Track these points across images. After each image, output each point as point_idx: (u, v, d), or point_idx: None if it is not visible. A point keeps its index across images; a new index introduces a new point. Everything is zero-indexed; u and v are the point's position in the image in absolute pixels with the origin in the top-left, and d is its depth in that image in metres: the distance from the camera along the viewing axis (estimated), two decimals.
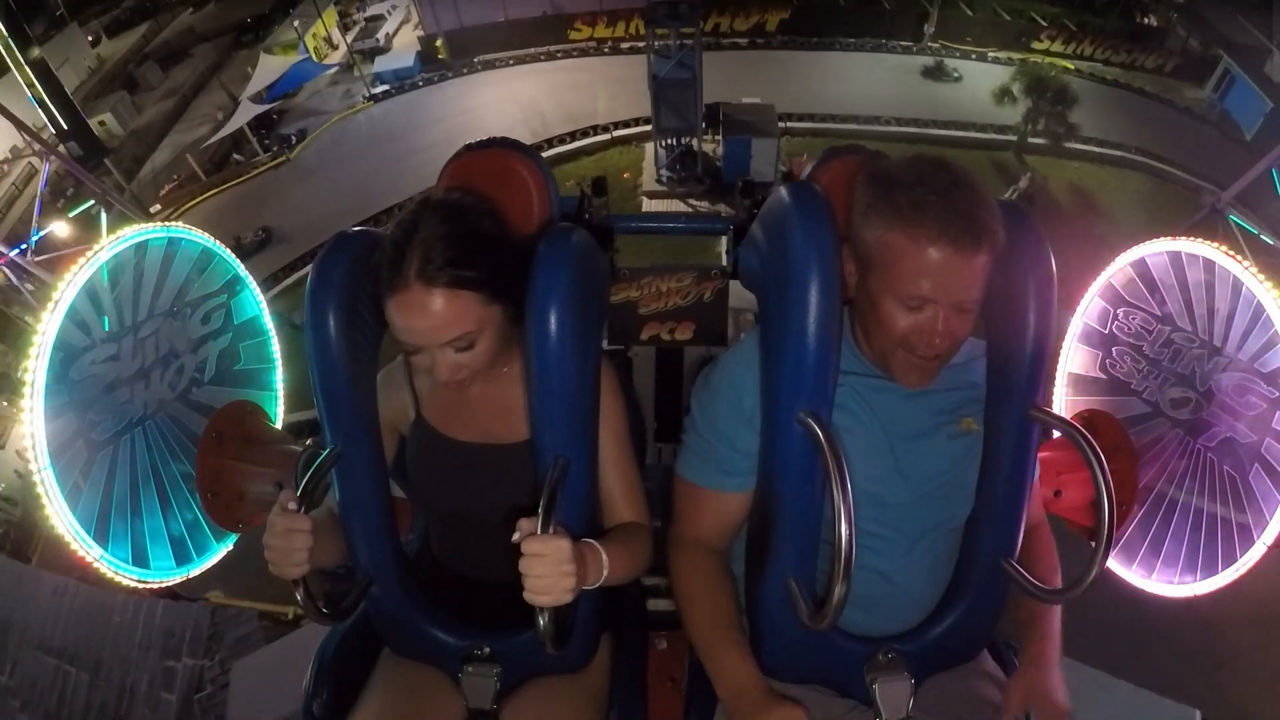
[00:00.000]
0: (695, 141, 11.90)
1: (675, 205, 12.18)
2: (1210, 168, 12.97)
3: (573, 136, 14.03)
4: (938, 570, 1.13)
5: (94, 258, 1.59)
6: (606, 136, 13.99)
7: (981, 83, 14.68)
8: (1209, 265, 1.71)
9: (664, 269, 1.69)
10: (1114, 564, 1.86)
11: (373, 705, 1.13)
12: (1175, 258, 1.79)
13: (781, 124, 12.72)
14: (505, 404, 1.12)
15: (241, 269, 2.00)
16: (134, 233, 1.68)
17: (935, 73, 15.26)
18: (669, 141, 11.90)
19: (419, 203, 1.00)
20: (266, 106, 15.65)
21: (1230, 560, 1.68)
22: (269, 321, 2.07)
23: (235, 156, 15.66)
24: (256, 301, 2.04)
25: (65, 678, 3.57)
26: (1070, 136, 13.17)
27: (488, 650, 1.15)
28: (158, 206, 14.13)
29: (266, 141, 15.66)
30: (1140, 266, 1.88)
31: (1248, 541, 1.65)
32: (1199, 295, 1.74)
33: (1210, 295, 1.71)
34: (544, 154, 13.42)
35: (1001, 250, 0.95)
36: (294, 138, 15.79)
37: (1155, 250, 1.84)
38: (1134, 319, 1.90)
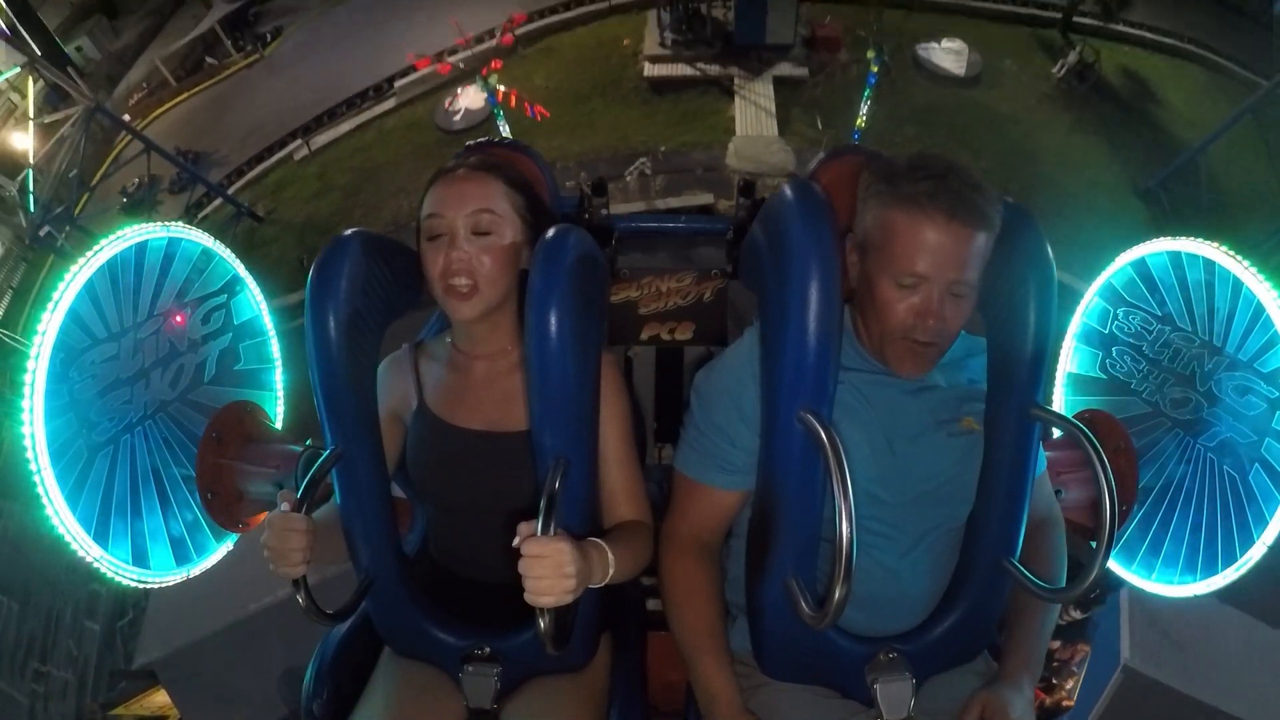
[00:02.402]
0: (703, 5, 10.75)
1: (681, 69, 10.91)
2: (1269, 66, 11.79)
3: (565, 6, 12.83)
4: (938, 570, 1.13)
5: (94, 257, 1.59)
6: (604, 4, 12.64)
7: None
8: (1209, 265, 1.71)
9: (664, 269, 1.69)
10: (1114, 564, 1.86)
11: (373, 705, 1.13)
12: (1175, 258, 1.79)
13: None
14: (508, 392, 1.13)
15: (241, 269, 2.00)
16: (134, 233, 1.68)
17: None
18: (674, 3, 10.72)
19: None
20: (240, 2, 14.62)
21: (1230, 560, 1.68)
22: (268, 322, 2.07)
23: (208, 60, 14.61)
24: (256, 302, 2.04)
25: None
26: (1124, 7, 12.18)
27: (488, 650, 1.15)
28: (127, 117, 13.06)
29: (241, 42, 14.59)
30: (1140, 266, 1.88)
31: (1248, 541, 1.65)
32: (1199, 295, 1.74)
33: (1210, 295, 1.71)
34: (534, 25, 11.89)
35: (997, 237, 0.98)
36: (269, 35, 14.75)
37: (1155, 250, 1.84)
38: (1134, 319, 1.90)
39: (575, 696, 1.18)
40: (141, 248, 1.69)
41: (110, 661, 3.50)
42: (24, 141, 9.04)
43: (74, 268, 1.55)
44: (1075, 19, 12.21)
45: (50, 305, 1.50)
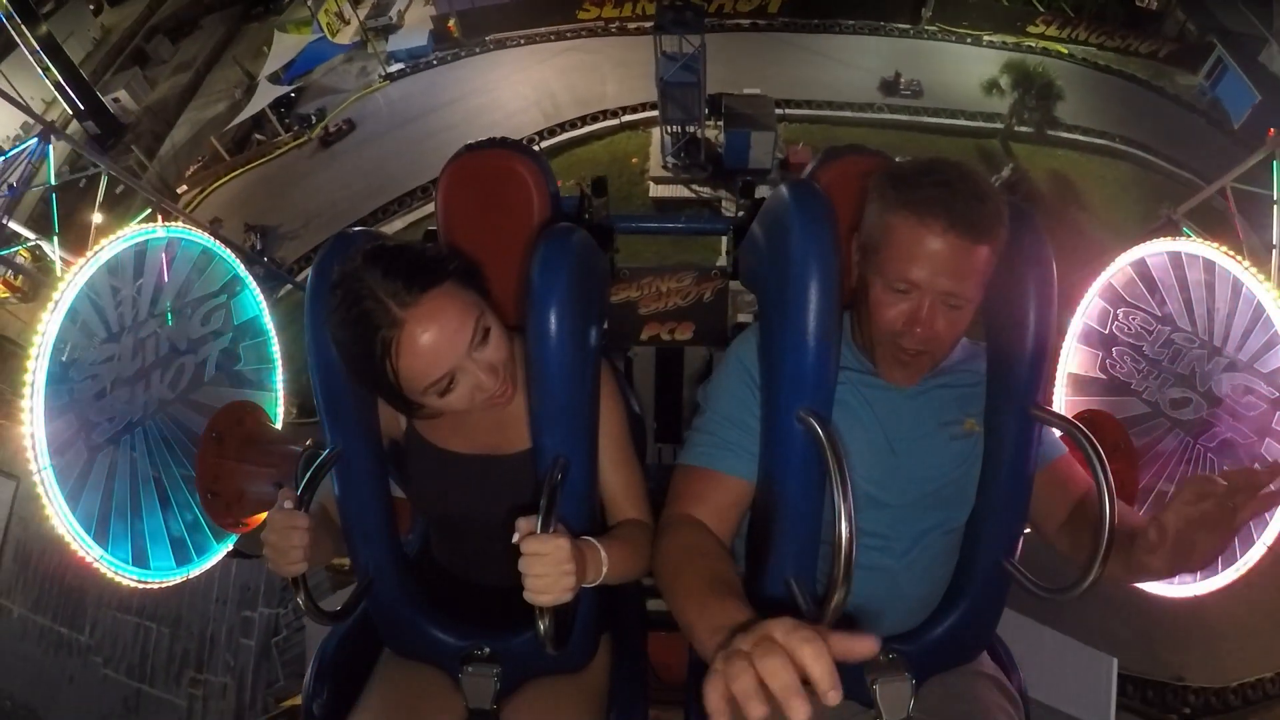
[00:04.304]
0: (699, 131, 12.69)
1: (680, 190, 13.00)
2: (1193, 157, 13.47)
3: (584, 121, 14.59)
4: (937, 571, 1.13)
5: (94, 257, 1.59)
6: (616, 121, 14.53)
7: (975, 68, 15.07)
8: (1209, 265, 1.71)
9: (664, 269, 1.69)
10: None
11: (373, 705, 1.13)
12: (1175, 258, 1.80)
13: (779, 110, 13.36)
14: (500, 416, 1.09)
15: (241, 269, 2.00)
16: (134, 233, 1.69)
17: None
18: (674, 129, 12.74)
19: (339, 277, 0.90)
20: (286, 88, 15.66)
21: (1230, 561, 1.68)
22: (269, 322, 2.07)
23: (256, 136, 15.53)
24: (256, 302, 2.04)
25: (147, 634, 3.95)
26: (1053, 126, 13.69)
27: (488, 650, 1.14)
28: (184, 187, 14.30)
29: (287, 120, 15.60)
30: (1140, 266, 1.88)
31: (1247, 542, 1.65)
32: (1199, 295, 1.74)
33: (1210, 295, 1.71)
34: (557, 139, 13.83)
35: (1002, 252, 0.95)
36: (313, 116, 15.71)
37: (1155, 250, 1.84)
38: (1134, 319, 1.90)
39: (575, 697, 1.18)
40: (142, 248, 1.70)
41: (267, 669, 3.88)
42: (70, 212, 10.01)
43: (74, 267, 1.55)
44: (1015, 129, 13.81)
45: (50, 305, 1.50)
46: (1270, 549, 1.63)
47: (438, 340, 0.88)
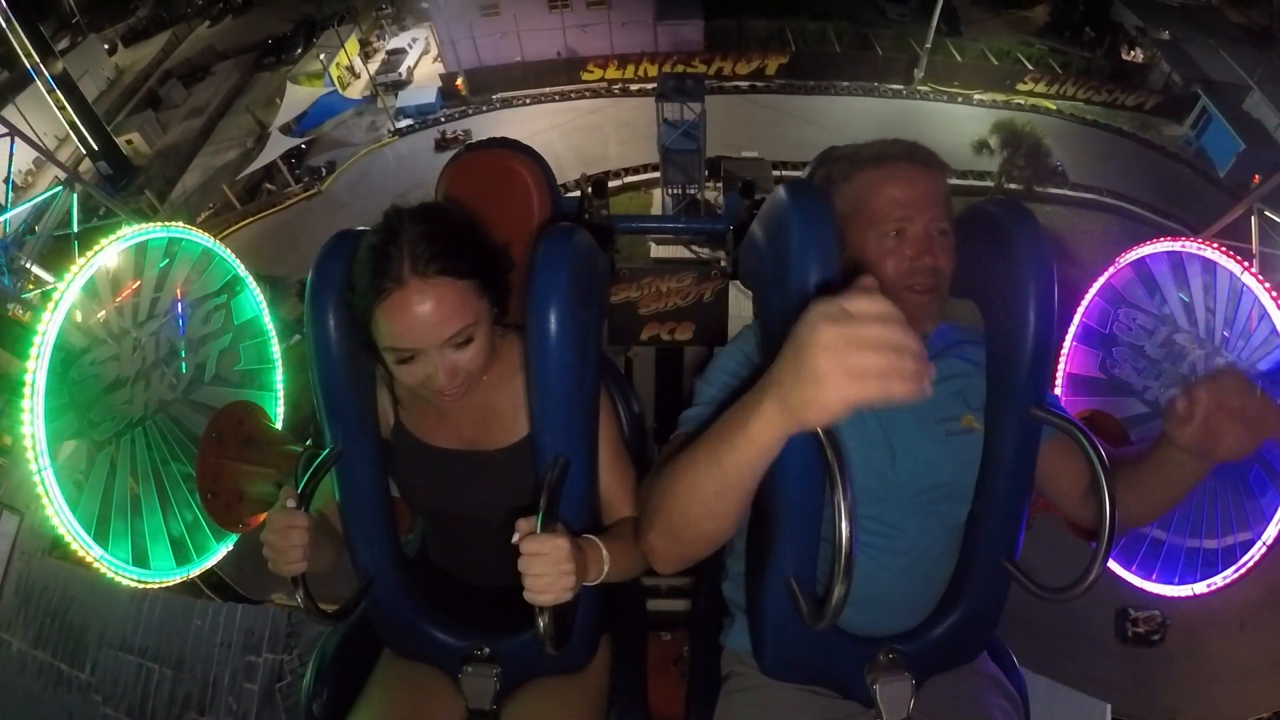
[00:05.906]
0: (699, 194, 13.39)
1: (680, 251, 13.55)
2: (1179, 207, 14.04)
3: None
4: (937, 570, 1.13)
5: (95, 258, 1.59)
6: (619, 183, 15.05)
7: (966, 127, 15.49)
8: (1209, 265, 1.71)
9: (664, 269, 1.69)
10: (1115, 565, 1.86)
11: (373, 705, 1.13)
12: (1175, 258, 1.80)
13: (776, 172, 13.91)
14: (485, 411, 1.10)
15: (241, 269, 2.00)
16: (134, 233, 1.68)
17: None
18: (675, 191, 13.42)
19: (392, 211, 0.97)
20: (298, 141, 16.06)
21: (1230, 561, 1.68)
22: (269, 322, 2.07)
23: (267, 186, 15.95)
24: (256, 302, 2.04)
25: (148, 674, 3.91)
26: (1041, 184, 14.29)
27: (487, 650, 1.14)
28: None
29: (297, 172, 16.02)
30: (1140, 267, 1.88)
31: (1247, 542, 1.65)
32: (1199, 295, 1.74)
33: (1210, 295, 1.72)
34: None
35: (996, 236, 1.03)
36: (324, 169, 16.16)
37: (1155, 251, 1.84)
38: (1134, 319, 1.90)
39: (575, 697, 1.18)
40: (141, 248, 1.70)
41: (270, 713, 3.95)
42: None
43: (74, 267, 1.55)
44: (1006, 185, 14.18)
45: (50, 305, 1.50)
46: (1269, 547, 1.63)
47: (422, 319, 0.92)
